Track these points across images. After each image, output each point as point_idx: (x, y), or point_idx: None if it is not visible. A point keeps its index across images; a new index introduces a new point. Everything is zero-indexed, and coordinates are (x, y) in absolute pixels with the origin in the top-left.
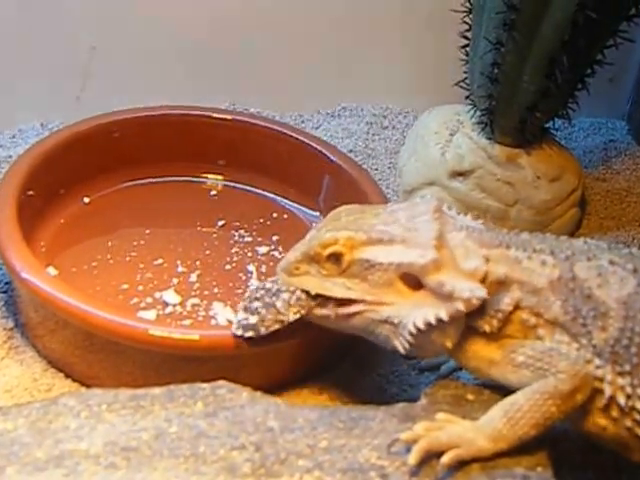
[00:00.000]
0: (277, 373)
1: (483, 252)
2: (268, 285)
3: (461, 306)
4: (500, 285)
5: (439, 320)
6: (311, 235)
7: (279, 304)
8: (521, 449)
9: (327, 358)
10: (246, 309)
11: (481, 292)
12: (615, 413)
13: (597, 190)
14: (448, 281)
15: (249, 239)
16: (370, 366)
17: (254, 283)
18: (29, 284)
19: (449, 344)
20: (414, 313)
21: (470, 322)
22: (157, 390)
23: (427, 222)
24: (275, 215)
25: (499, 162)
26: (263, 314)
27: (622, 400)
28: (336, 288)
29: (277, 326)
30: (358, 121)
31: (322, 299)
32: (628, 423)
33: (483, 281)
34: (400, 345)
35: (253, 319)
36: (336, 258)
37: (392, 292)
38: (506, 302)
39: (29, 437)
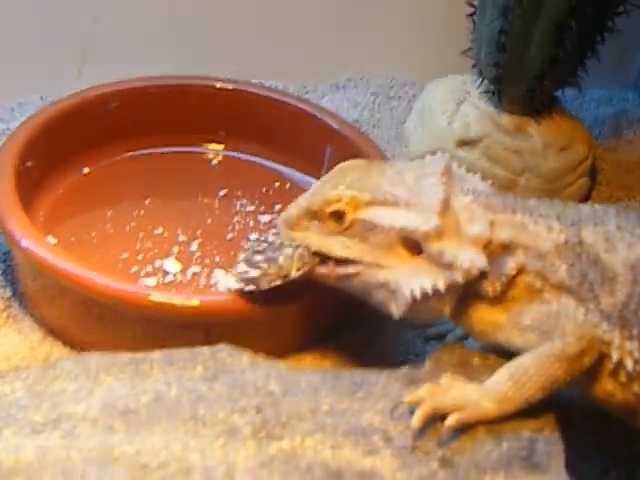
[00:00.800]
0: (278, 340)
1: (489, 216)
2: (271, 238)
3: (459, 276)
4: (505, 249)
5: (436, 289)
6: (314, 189)
7: (281, 259)
8: (527, 412)
9: (329, 325)
10: (247, 261)
11: (481, 262)
12: (623, 378)
13: (607, 160)
14: (449, 250)
15: (251, 208)
16: (374, 334)
17: (254, 236)
18: (29, 252)
19: (446, 311)
20: (411, 280)
21: (474, 286)
22: (156, 354)
23: (434, 185)
24: (277, 184)
25: (507, 131)
26: (265, 268)
27: (630, 364)
28: (336, 246)
29: (279, 282)
30: (364, 92)
31: (322, 257)
32: (636, 388)
33: (487, 246)
34: (395, 311)
35: (254, 273)
36: (338, 216)
37: (392, 255)
38: (510, 266)
39: (26, 400)
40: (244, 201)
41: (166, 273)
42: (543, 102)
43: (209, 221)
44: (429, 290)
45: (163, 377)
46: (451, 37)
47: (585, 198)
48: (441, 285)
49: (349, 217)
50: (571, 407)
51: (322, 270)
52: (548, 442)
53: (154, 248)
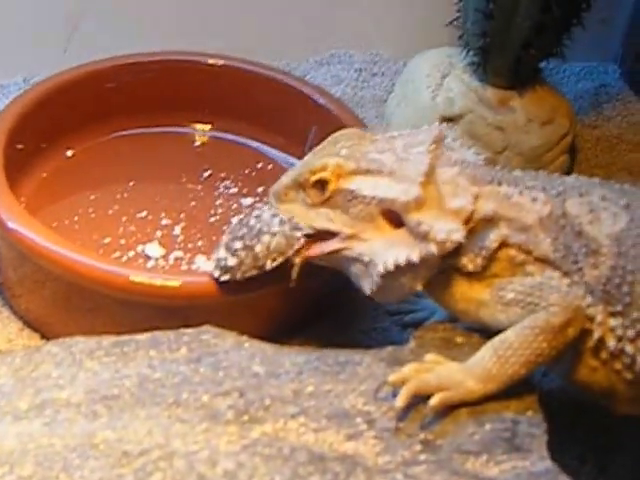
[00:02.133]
0: (259, 325)
1: (474, 190)
2: (252, 222)
3: (434, 248)
4: (487, 222)
5: (409, 262)
6: (305, 160)
7: (258, 248)
8: (511, 394)
9: (310, 312)
10: (227, 248)
11: (458, 235)
12: (605, 355)
13: (587, 137)
14: (426, 220)
15: (234, 190)
16: (353, 322)
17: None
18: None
19: (418, 287)
20: (386, 253)
21: (454, 262)
22: (141, 336)
23: (420, 154)
24: (260, 165)
25: (491, 105)
26: (242, 257)
27: (612, 342)
28: (318, 218)
29: (254, 272)
30: (347, 68)
31: (307, 241)
32: (617, 366)
33: (469, 219)
34: (368, 286)
35: (231, 261)
36: (322, 185)
37: (372, 227)
38: (491, 239)
39: (10, 386)
40: (227, 182)
41: (148, 258)
42: (528, 74)
43: (193, 204)
44: (402, 262)
45: (147, 360)
46: (436, 12)
47: None
48: (415, 257)
49: (331, 186)
50: (549, 398)
51: (314, 252)
52: (531, 423)
53: (137, 232)
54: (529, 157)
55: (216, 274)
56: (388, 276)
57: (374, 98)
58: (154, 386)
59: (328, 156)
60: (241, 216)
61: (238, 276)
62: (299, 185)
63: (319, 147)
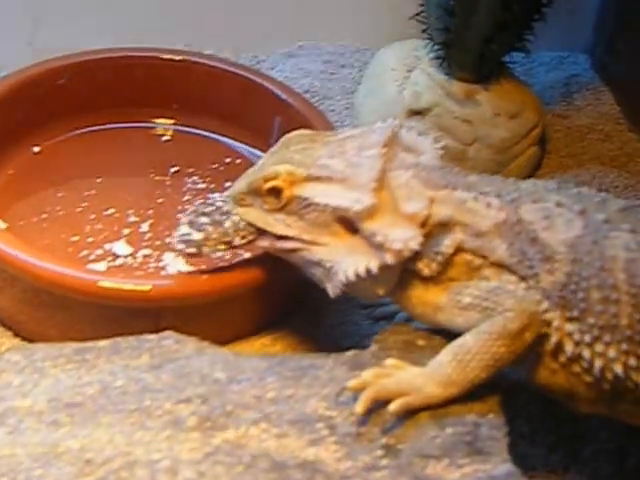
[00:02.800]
0: (230, 324)
1: (428, 193)
2: (219, 203)
3: (390, 259)
4: (443, 227)
5: (369, 271)
6: (261, 163)
7: (227, 224)
8: (472, 396)
9: (279, 308)
10: (191, 223)
11: (415, 242)
12: (563, 359)
13: (558, 127)
14: (380, 231)
15: (202, 186)
16: (323, 316)
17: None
18: None
19: (381, 292)
20: (346, 260)
21: (410, 266)
22: (103, 342)
23: (372, 158)
24: (228, 160)
25: (457, 99)
26: (209, 232)
27: (569, 347)
28: (277, 224)
29: (222, 247)
30: (315, 60)
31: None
32: (576, 369)
33: (424, 224)
34: (332, 290)
35: (197, 236)
36: (277, 193)
37: (329, 233)
38: (446, 244)
39: None
40: (195, 178)
41: (116, 256)
42: (492, 68)
43: (160, 200)
44: (362, 273)
45: (109, 367)
46: (404, 3)
47: (535, 167)
48: (374, 267)
49: (286, 194)
50: (517, 392)
51: (264, 244)
52: (492, 426)
53: (105, 230)
54: (499, 149)
55: (179, 247)
56: (350, 284)
57: (343, 89)
58: (116, 393)
59: (280, 162)
60: (201, 200)
61: (204, 250)
62: (254, 191)
63: (272, 150)
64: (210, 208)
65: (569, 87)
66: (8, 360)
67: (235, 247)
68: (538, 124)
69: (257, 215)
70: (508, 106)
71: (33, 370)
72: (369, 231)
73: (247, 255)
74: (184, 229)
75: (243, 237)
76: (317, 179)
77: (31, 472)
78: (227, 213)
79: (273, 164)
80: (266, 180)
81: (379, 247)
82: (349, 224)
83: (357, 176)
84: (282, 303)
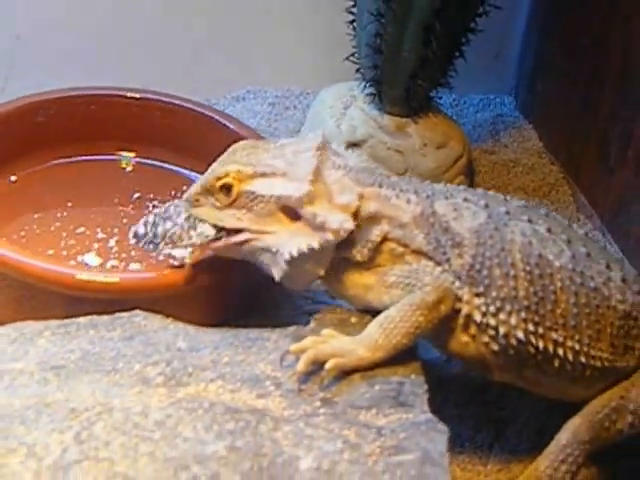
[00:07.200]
0: (192, 317)
1: (358, 190)
2: (171, 209)
3: (331, 236)
4: (371, 219)
5: (311, 249)
6: (212, 168)
7: (159, 230)
8: (397, 361)
9: (241, 301)
10: (147, 223)
11: (349, 224)
12: (473, 330)
13: (485, 162)
14: (321, 213)
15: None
16: (280, 309)
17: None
18: None
19: (321, 272)
20: (290, 242)
21: (345, 254)
22: (82, 319)
23: (308, 158)
24: (185, 188)
25: (389, 131)
26: (147, 230)
27: (478, 317)
28: (228, 219)
29: (151, 247)
30: (262, 102)
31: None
32: (485, 339)
33: (356, 216)
34: (276, 272)
35: (141, 229)
36: (227, 190)
37: (274, 222)
38: (375, 234)
39: None
40: (156, 202)
41: (88, 266)
42: (420, 102)
43: (125, 221)
44: (305, 249)
45: (88, 338)
46: (342, 49)
47: None
48: (315, 244)
49: (235, 189)
50: (449, 381)
51: (217, 245)
52: (414, 384)
53: (77, 245)
54: (428, 177)
55: (133, 242)
56: (293, 263)
57: (287, 129)
58: (95, 358)
59: (229, 164)
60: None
61: (140, 244)
62: (207, 191)
63: (221, 157)
64: (161, 210)
65: (496, 126)
66: (2, 334)
67: (189, 246)
68: (463, 154)
69: (210, 213)
70: (435, 137)
71: (23, 341)
72: (310, 214)
73: (205, 255)
74: (141, 228)
75: (166, 244)
76: (262, 175)
77: (25, 417)
78: (165, 219)
79: (222, 166)
80: (218, 179)
81: (320, 227)
82: (292, 212)
83: (296, 171)
84: (242, 298)
